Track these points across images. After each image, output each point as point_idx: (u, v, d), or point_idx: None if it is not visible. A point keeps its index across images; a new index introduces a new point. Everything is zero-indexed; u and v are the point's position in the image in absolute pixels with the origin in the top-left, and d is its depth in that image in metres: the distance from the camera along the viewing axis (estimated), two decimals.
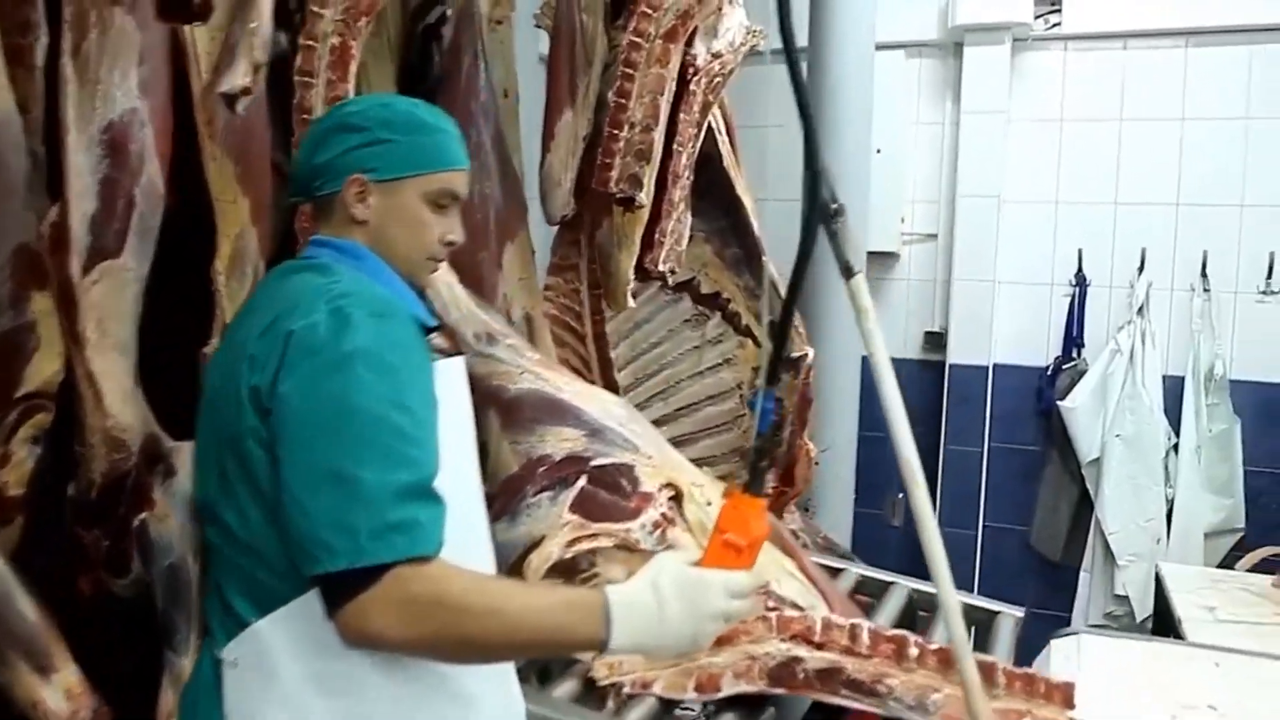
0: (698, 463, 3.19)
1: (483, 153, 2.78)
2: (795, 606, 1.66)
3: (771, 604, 1.65)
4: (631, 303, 2.69)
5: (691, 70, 2.63)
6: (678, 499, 1.76)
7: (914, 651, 1.58)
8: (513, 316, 2.81)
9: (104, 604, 1.75)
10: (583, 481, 1.71)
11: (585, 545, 1.65)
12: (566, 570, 1.65)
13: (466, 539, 1.27)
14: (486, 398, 1.89)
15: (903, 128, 4.14)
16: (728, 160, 3.02)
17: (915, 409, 4.06)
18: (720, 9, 2.70)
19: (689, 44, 2.57)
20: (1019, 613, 2.24)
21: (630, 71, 2.39)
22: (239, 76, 1.26)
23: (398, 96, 1.46)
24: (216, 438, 1.21)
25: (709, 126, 2.97)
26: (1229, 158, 3.79)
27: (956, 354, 4.07)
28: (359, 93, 2.30)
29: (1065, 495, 4.01)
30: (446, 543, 1.14)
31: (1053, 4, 3.93)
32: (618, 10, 2.51)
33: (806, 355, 3.09)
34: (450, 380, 1.31)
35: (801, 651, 1.57)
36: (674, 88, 2.55)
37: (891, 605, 2.24)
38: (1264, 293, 3.75)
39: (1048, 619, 4.03)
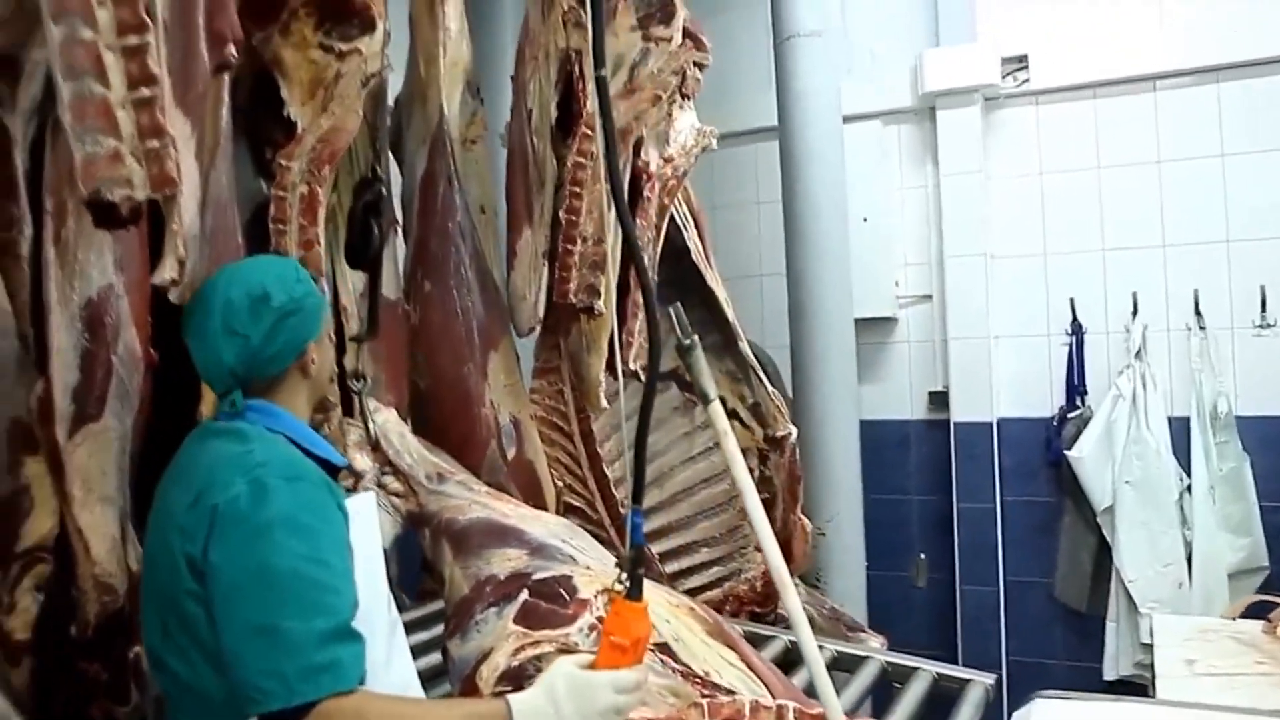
0: (697, 544, 3.32)
1: (462, 269, 2.98)
2: (729, 693, 1.76)
3: (706, 691, 1.75)
4: (605, 404, 2.83)
5: (645, 177, 2.79)
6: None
7: None
8: (500, 420, 2.99)
9: None
10: (525, 595, 1.84)
11: (529, 652, 1.77)
12: (514, 677, 1.77)
13: (383, 654, 1.43)
14: (439, 530, 2.06)
15: (888, 194, 4.25)
16: (696, 254, 3.17)
17: (925, 469, 4.11)
18: (670, 115, 2.86)
19: (637, 153, 2.74)
20: (989, 680, 2.29)
21: (578, 189, 2.56)
22: (166, 271, 1.45)
23: (289, 263, 1.65)
24: (157, 596, 1.37)
25: (676, 222, 3.13)
26: (1209, 195, 3.83)
27: (959, 411, 4.11)
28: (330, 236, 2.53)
29: (1084, 545, 4.00)
30: (367, 661, 1.29)
31: (1020, 62, 4.04)
32: (566, 131, 2.69)
33: (790, 434, 3.19)
34: (362, 514, 1.48)
35: None
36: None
37: (864, 676, 2.32)
38: (1260, 326, 3.75)
39: (1081, 671, 4.01)
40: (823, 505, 3.70)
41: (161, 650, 1.37)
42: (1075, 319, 4.03)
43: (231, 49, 1.64)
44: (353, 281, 2.56)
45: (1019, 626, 4.11)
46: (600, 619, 1.81)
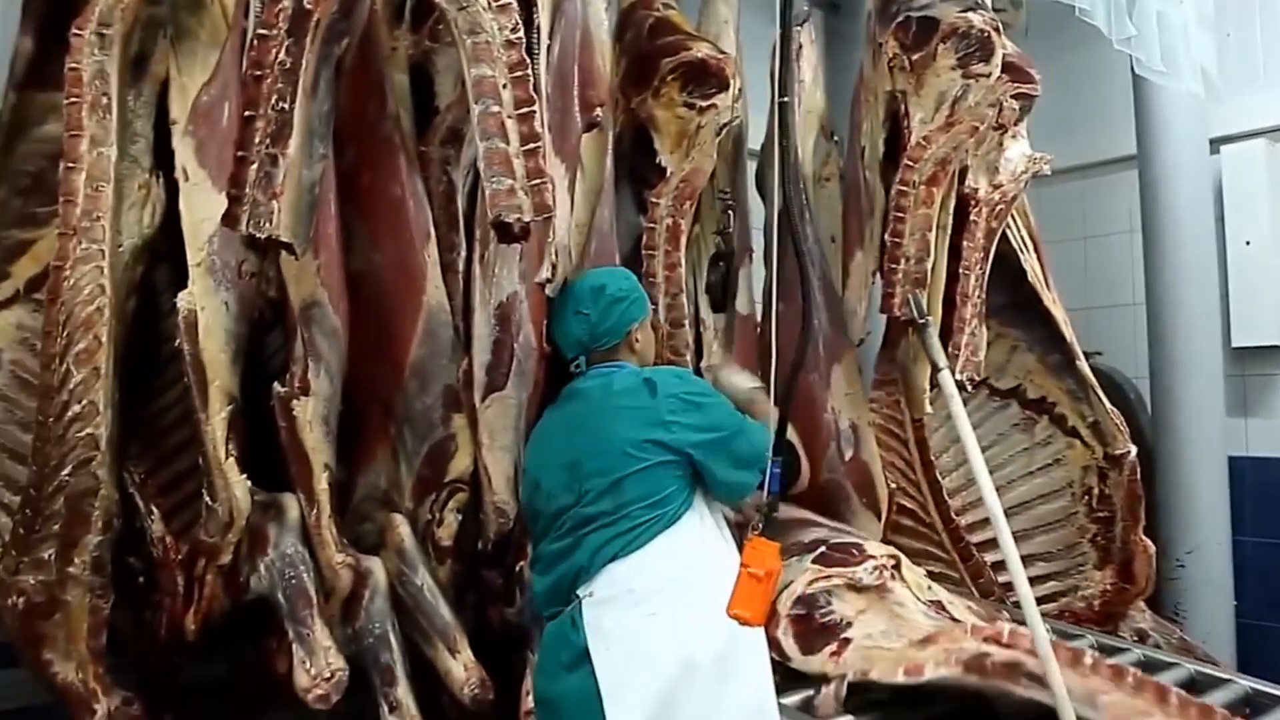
0: (1033, 558, 3.37)
1: (812, 291, 3.37)
2: None
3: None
4: (929, 409, 3.04)
5: (972, 202, 2.98)
6: (898, 566, 2.17)
7: (1088, 660, 1.81)
8: (840, 425, 3.31)
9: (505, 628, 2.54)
10: (823, 548, 2.21)
11: (821, 585, 2.14)
12: (808, 602, 2.13)
13: None
14: None
15: (1275, 215, 3.94)
16: (1034, 277, 3.26)
17: None
18: (1000, 144, 3.03)
19: (962, 181, 2.95)
20: None
21: (901, 215, 2.83)
22: (544, 272, 2.01)
23: (623, 270, 2.18)
24: (580, 470, 1.96)
25: (1013, 245, 3.27)
26: None
27: None
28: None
29: None
30: None
31: None
32: (894, 163, 2.97)
33: (1128, 452, 3.16)
34: None
35: (991, 649, 1.88)
36: (950, 221, 2.94)
37: (1167, 677, 2.33)
38: None
39: None
40: (1182, 536, 3.57)
41: (586, 505, 1.95)
42: None
43: (599, 113, 2.20)
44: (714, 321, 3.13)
45: None
46: (884, 566, 2.11)
